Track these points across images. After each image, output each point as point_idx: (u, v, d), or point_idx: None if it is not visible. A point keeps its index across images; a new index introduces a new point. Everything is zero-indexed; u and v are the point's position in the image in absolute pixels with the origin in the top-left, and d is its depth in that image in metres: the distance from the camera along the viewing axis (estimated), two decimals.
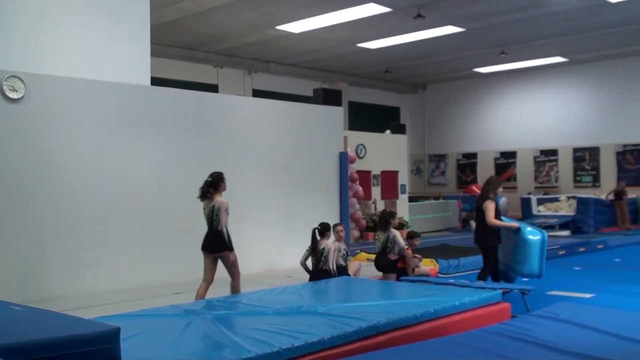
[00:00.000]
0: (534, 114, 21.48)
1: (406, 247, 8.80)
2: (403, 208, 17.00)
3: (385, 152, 16.76)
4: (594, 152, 20.20)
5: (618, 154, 19.72)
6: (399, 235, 8.71)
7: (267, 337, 4.59)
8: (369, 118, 21.85)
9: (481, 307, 6.12)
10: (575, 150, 20.58)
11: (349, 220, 12.76)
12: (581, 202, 17.92)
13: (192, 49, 16.95)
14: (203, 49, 17.11)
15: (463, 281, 7.97)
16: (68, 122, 8.61)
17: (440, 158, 24.29)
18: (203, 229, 9.84)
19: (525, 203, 19.30)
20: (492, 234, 8.16)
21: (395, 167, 17.05)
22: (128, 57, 9.91)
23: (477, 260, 10.75)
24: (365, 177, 15.81)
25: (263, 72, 19.10)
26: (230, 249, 7.28)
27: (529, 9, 13.97)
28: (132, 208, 9.16)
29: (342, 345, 4.71)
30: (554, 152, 21.10)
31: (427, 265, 9.84)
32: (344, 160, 12.49)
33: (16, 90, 8.10)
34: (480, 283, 7.58)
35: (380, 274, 8.82)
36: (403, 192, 17.28)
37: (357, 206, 14.78)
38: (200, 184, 7.29)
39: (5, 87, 8.01)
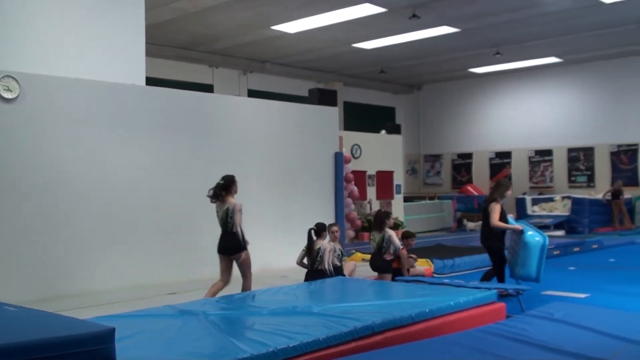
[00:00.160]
0: (528, 114, 21.52)
1: (401, 247, 8.81)
2: (398, 208, 17.01)
3: (381, 152, 16.77)
4: (588, 152, 20.26)
5: (612, 154, 19.77)
6: (394, 236, 8.72)
7: (262, 337, 4.59)
8: (364, 118, 21.87)
9: (476, 307, 6.14)
10: (570, 150, 20.63)
11: (344, 221, 12.76)
12: (576, 202, 17.97)
13: (187, 48, 16.93)
14: (198, 49, 17.09)
15: (458, 281, 7.98)
16: (63, 122, 8.58)
17: (435, 158, 24.32)
18: (200, 229, 9.90)
19: (520, 203, 19.36)
20: (497, 235, 8.25)
21: (390, 167, 17.06)
22: (123, 57, 9.89)
23: (472, 260, 10.81)
24: (360, 177, 15.82)
25: (258, 72, 19.09)
26: (244, 248, 7.37)
27: (524, 10, 13.99)
28: (127, 208, 9.14)
29: (338, 346, 4.72)
30: (548, 152, 21.15)
31: (422, 266, 9.85)
32: (339, 160, 12.49)
33: (11, 90, 8.07)
34: (475, 283, 7.59)
35: (376, 274, 8.83)
36: (398, 192, 17.30)
37: (353, 206, 14.78)
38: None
39: None
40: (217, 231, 10.00)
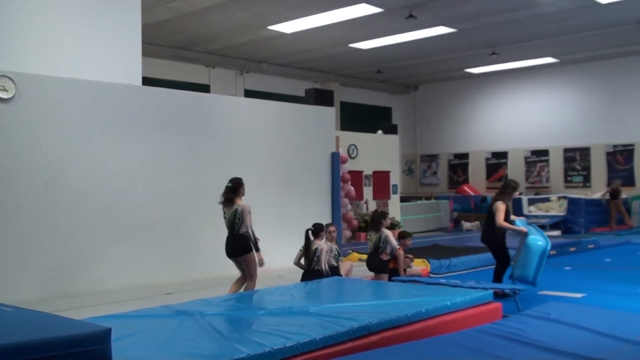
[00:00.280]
0: (525, 114, 21.56)
1: (398, 247, 8.81)
2: (395, 208, 17.03)
3: (377, 152, 16.78)
4: (584, 152, 20.30)
5: (608, 154, 19.82)
6: (391, 236, 8.72)
7: (258, 337, 4.59)
8: (361, 118, 21.87)
9: (472, 307, 6.14)
10: (566, 150, 20.67)
11: (340, 221, 12.77)
12: (572, 202, 18.00)
13: (183, 49, 16.92)
14: (195, 49, 17.08)
15: (454, 281, 7.99)
16: (59, 122, 8.57)
17: (431, 158, 24.34)
18: (197, 229, 9.90)
19: (516, 203, 19.35)
20: (498, 234, 8.31)
21: (387, 167, 17.07)
22: (119, 57, 9.88)
23: (469, 260, 10.82)
24: (357, 177, 15.82)
25: (255, 72, 19.08)
26: (257, 249, 7.51)
27: (520, 10, 14.02)
28: (124, 208, 9.13)
29: (334, 346, 4.71)
30: (544, 153, 21.18)
31: (419, 266, 9.85)
32: (335, 160, 12.49)
33: (7, 90, 8.06)
34: (472, 283, 7.60)
35: (372, 274, 8.83)
36: (395, 192, 17.31)
37: (349, 206, 14.78)
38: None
39: None
40: (215, 231, 10.01)
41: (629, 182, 19.13)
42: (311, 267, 8.20)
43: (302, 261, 8.41)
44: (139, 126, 9.43)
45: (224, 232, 8.27)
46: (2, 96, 8.02)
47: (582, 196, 18.41)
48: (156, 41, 15.46)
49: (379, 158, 16.80)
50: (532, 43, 17.21)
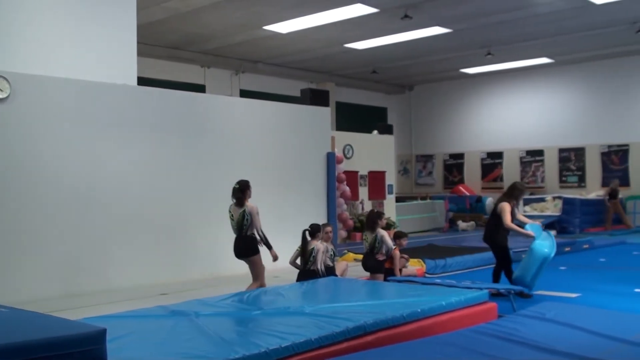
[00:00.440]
0: (520, 114, 21.60)
1: (394, 247, 8.82)
2: (390, 208, 17.03)
3: (373, 152, 16.78)
4: (579, 152, 20.35)
5: (603, 154, 19.87)
6: (386, 236, 8.73)
7: (254, 337, 4.59)
8: (356, 118, 21.88)
9: (468, 307, 6.15)
10: (561, 150, 20.72)
11: (336, 221, 12.77)
12: (567, 202, 18.03)
13: (179, 48, 16.89)
14: (190, 49, 17.05)
15: (450, 281, 8.01)
16: (53, 122, 8.55)
17: (427, 158, 24.37)
18: (193, 229, 9.88)
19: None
20: (501, 233, 8.35)
21: (382, 167, 17.07)
22: (114, 57, 9.86)
23: (464, 260, 10.84)
24: (352, 177, 15.82)
25: (250, 72, 19.06)
26: (269, 247, 7.75)
27: (515, 11, 14.04)
28: (118, 208, 9.11)
29: (330, 346, 4.72)
30: (540, 153, 21.23)
31: (414, 266, 9.86)
32: (331, 160, 12.49)
33: (1, 90, 8.03)
34: (467, 283, 7.61)
35: (368, 274, 8.83)
36: (390, 192, 17.31)
37: (345, 206, 14.79)
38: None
39: None
40: (210, 231, 10.03)
41: (624, 182, 19.18)
42: (307, 267, 8.20)
43: (298, 261, 8.42)
44: (134, 126, 9.42)
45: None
46: None
47: (577, 196, 18.46)
48: (151, 41, 15.43)
49: (374, 158, 16.81)
50: (528, 43, 17.24)
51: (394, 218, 16.76)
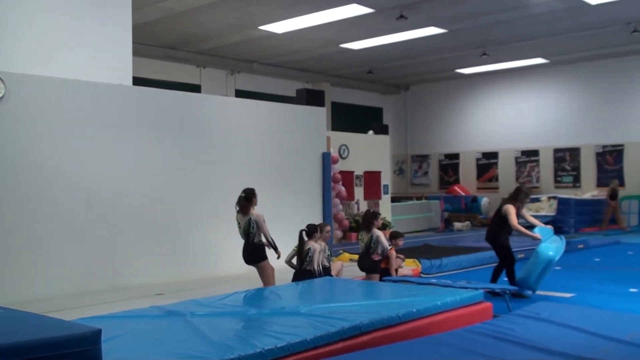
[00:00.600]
0: (515, 114, 21.64)
1: (390, 247, 8.82)
2: (386, 208, 17.04)
3: (368, 152, 16.79)
4: (574, 152, 20.40)
5: (598, 154, 19.92)
6: (382, 236, 8.73)
7: (249, 337, 4.58)
8: (352, 118, 21.88)
9: (463, 307, 6.16)
10: (556, 150, 20.76)
11: (332, 221, 12.77)
12: (562, 202, 18.08)
13: (174, 48, 16.87)
14: (185, 49, 17.03)
15: (445, 281, 8.02)
16: (48, 122, 8.53)
17: (422, 158, 24.39)
18: (188, 230, 9.87)
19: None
20: (504, 233, 8.41)
21: (378, 167, 17.08)
22: (110, 57, 9.84)
23: (460, 260, 10.85)
24: (348, 177, 15.82)
25: (246, 72, 19.05)
26: (265, 257, 7.99)
27: (510, 11, 14.07)
28: (114, 209, 9.10)
29: (325, 346, 4.72)
30: (535, 153, 21.27)
31: (410, 266, 9.87)
32: (326, 160, 12.49)
33: None
34: (462, 283, 7.62)
35: (363, 274, 8.84)
36: (386, 192, 17.32)
37: (340, 206, 14.79)
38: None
39: None
40: (206, 232, 10.03)
41: (619, 182, 19.22)
42: (303, 267, 8.20)
43: (294, 261, 8.41)
44: (130, 126, 9.40)
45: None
46: None
47: (572, 196, 18.50)
48: (147, 41, 15.41)
49: (370, 158, 16.81)
50: (523, 44, 17.28)
51: (389, 218, 16.77)
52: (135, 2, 10.58)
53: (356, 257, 9.45)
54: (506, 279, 8.50)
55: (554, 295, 8.27)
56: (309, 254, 8.19)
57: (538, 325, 5.29)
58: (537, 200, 18.91)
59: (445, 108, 23.54)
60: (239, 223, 7.97)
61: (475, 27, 15.34)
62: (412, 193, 23.02)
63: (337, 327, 4.89)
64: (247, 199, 7.92)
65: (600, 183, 19.50)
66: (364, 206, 16.18)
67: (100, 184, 8.98)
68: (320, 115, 12.66)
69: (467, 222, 19.60)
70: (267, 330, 4.81)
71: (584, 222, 18.01)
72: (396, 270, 8.90)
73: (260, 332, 4.78)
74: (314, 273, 8.13)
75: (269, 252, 8.09)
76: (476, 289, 6.77)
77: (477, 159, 22.73)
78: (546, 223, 17.44)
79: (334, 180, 13.68)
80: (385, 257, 8.73)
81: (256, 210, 7.94)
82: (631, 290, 8.74)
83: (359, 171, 16.53)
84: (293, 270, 8.43)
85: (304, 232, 8.37)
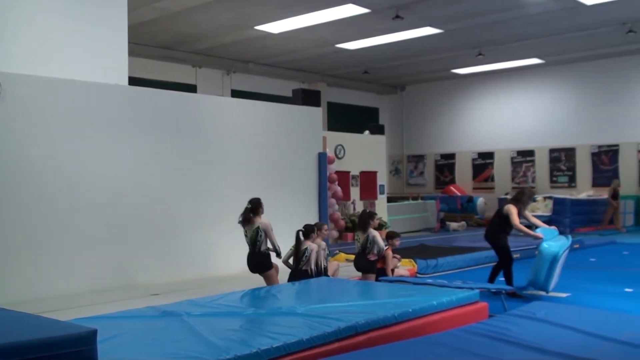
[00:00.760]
0: (511, 115, 21.68)
1: (386, 247, 8.83)
2: (382, 208, 17.04)
3: (364, 152, 16.79)
4: (570, 152, 20.44)
5: (593, 154, 19.97)
6: (378, 236, 8.74)
7: (245, 337, 4.58)
8: (348, 119, 21.89)
9: (459, 307, 6.17)
10: (552, 151, 20.81)
11: (328, 221, 12.76)
12: (557, 202, 18.11)
13: (170, 48, 16.86)
14: (181, 49, 17.02)
15: (441, 281, 8.02)
16: (44, 122, 8.50)
17: (418, 159, 24.42)
18: (184, 230, 9.85)
19: (503, 203, 19.42)
20: (504, 233, 8.49)
21: (374, 167, 17.09)
22: (105, 57, 9.82)
23: (455, 260, 10.87)
24: (344, 177, 15.83)
25: (242, 72, 19.05)
26: (271, 266, 8.05)
27: (506, 11, 14.09)
28: (109, 208, 9.07)
29: (321, 346, 4.72)
30: (530, 153, 21.31)
31: (406, 266, 9.88)
32: (322, 160, 12.49)
33: None
34: (458, 282, 7.63)
35: (359, 274, 8.84)
36: (382, 192, 17.33)
37: (336, 206, 14.79)
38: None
39: None
40: (202, 232, 10.01)
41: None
42: (299, 268, 8.20)
43: (291, 260, 8.42)
44: (126, 126, 9.38)
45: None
46: None
47: (568, 196, 18.53)
48: (142, 41, 15.40)
49: (366, 158, 16.82)
50: (518, 44, 17.31)
51: (385, 218, 16.78)
52: (131, 2, 10.56)
53: (352, 257, 9.45)
54: (502, 278, 8.52)
55: (550, 295, 8.28)
56: (306, 254, 8.19)
57: (534, 325, 5.30)
58: (533, 200, 18.91)
59: (441, 108, 23.57)
60: (245, 232, 8.03)
61: (471, 27, 15.36)
62: (408, 193, 23.05)
63: (333, 327, 4.89)
64: (253, 210, 8.02)
65: (596, 183, 19.56)
66: (360, 206, 16.19)
67: (95, 183, 8.95)
68: (316, 115, 12.65)
69: (463, 222, 19.62)
70: (263, 330, 4.81)
71: (579, 222, 18.04)
72: (392, 270, 8.90)
73: (256, 332, 4.78)
74: (309, 273, 8.13)
75: (272, 254, 8.12)
76: (472, 288, 6.79)
77: (473, 159, 22.76)
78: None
79: (330, 180, 13.68)
80: (382, 257, 8.74)
81: (264, 219, 7.99)
82: (626, 290, 8.77)
83: (355, 171, 16.53)
84: (289, 270, 8.43)
85: (300, 233, 8.38)
